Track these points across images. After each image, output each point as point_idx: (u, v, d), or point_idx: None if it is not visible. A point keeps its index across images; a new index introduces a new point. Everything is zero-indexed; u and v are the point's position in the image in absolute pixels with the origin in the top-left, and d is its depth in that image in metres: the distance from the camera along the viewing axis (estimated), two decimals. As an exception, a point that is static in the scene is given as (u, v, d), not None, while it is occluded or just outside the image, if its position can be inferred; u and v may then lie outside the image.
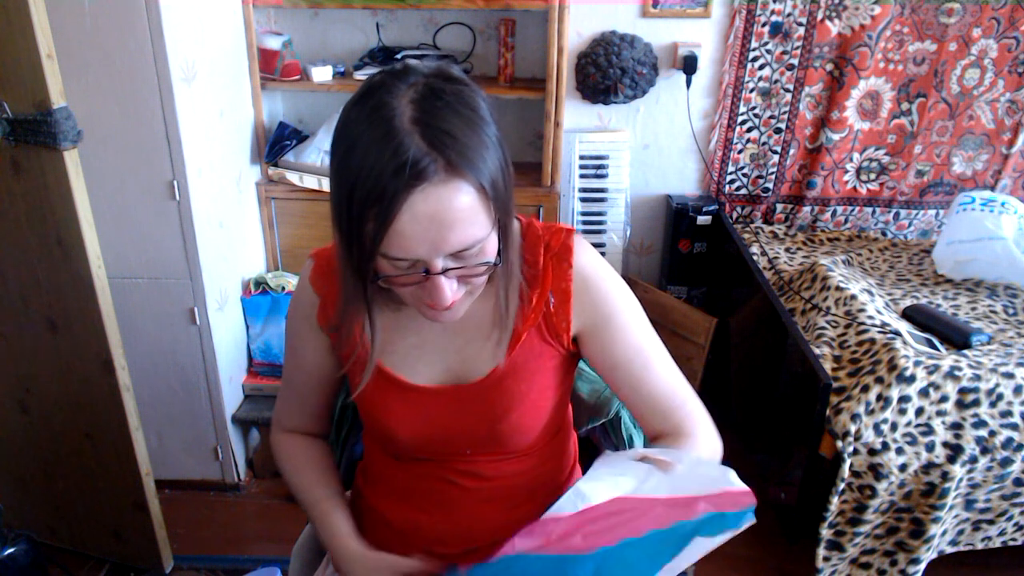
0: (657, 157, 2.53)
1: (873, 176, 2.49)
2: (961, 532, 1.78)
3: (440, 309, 0.84)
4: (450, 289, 0.81)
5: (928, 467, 1.65)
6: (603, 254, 2.49)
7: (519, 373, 0.96)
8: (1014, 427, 1.67)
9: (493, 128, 0.79)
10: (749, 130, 2.46)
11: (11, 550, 1.63)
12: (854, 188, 2.51)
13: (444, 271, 0.79)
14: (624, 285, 0.99)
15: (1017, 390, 1.69)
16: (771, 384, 2.03)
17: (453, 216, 0.75)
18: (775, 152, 2.48)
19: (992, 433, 1.67)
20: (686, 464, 0.82)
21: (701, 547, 0.77)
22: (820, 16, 2.27)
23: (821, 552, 1.75)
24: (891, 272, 2.26)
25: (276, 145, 2.27)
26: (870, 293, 2.02)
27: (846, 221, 2.56)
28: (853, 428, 1.67)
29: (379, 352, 0.96)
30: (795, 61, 2.34)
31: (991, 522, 1.75)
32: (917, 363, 1.69)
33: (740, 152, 2.49)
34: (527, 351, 0.96)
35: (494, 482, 1.00)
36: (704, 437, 0.96)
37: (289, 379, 1.10)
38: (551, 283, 0.95)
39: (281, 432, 1.13)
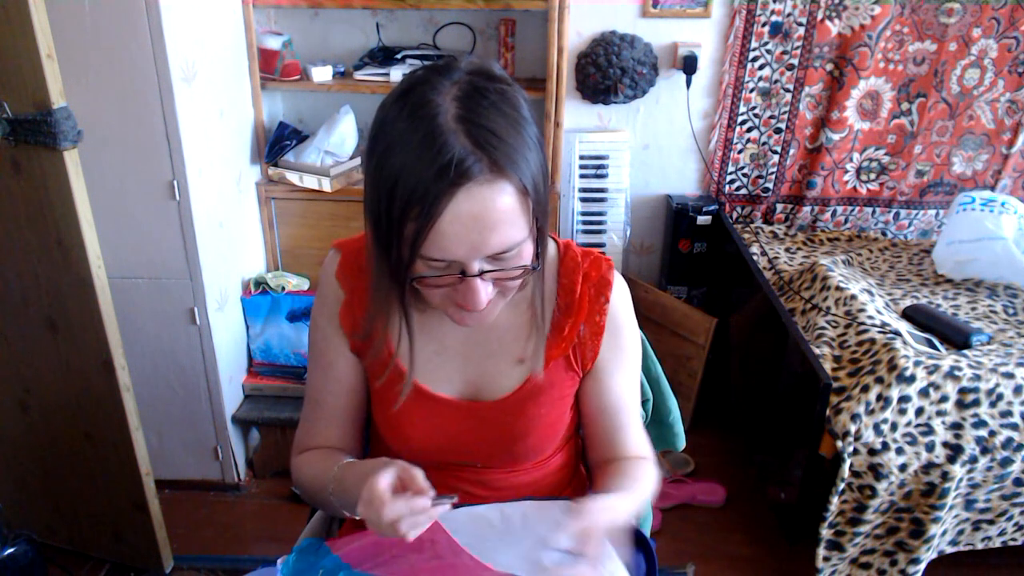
0: (657, 157, 2.53)
1: (873, 176, 2.49)
2: (961, 532, 1.78)
3: (473, 311, 0.82)
4: (485, 292, 0.80)
5: (928, 467, 1.65)
6: (603, 254, 2.50)
7: (540, 397, 0.95)
8: (1014, 427, 1.67)
9: (534, 128, 0.79)
10: (749, 130, 2.46)
11: (11, 550, 1.63)
12: (854, 188, 2.51)
13: (480, 273, 0.78)
14: (638, 329, 1.01)
15: (1017, 390, 1.69)
16: (771, 384, 2.03)
17: (495, 217, 0.74)
18: (775, 152, 2.48)
19: (992, 433, 1.67)
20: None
21: None
22: (820, 16, 2.27)
23: (821, 552, 1.75)
24: (891, 272, 2.26)
25: (276, 145, 2.27)
26: (870, 293, 2.01)
27: (846, 221, 2.56)
28: (853, 428, 1.67)
29: (402, 358, 0.93)
30: (795, 61, 2.34)
31: (991, 522, 1.75)
32: (917, 363, 1.69)
33: (740, 152, 2.49)
34: (551, 376, 0.95)
35: (503, 492, 1.00)
36: (649, 461, 0.99)
37: (315, 397, 1.00)
38: (585, 315, 0.94)
39: (301, 453, 1.02)
